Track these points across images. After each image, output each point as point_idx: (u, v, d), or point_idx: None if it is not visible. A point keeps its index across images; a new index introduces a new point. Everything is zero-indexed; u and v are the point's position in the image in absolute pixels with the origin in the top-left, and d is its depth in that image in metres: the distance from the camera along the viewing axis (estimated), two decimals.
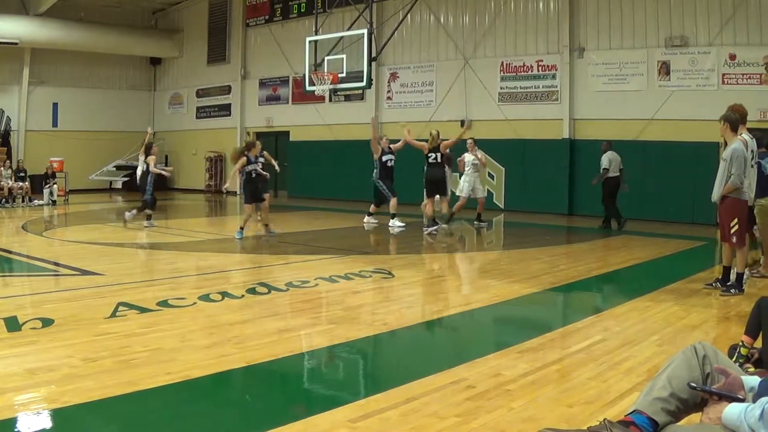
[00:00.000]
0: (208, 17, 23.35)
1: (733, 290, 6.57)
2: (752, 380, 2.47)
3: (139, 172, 12.63)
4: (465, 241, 12.09)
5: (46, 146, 20.86)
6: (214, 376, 4.01)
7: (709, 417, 2.38)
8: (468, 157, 12.63)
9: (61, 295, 6.44)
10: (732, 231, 6.59)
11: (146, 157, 12.20)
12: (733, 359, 3.65)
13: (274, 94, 21.76)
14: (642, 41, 14.60)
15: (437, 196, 11.87)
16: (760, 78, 13.03)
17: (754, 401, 2.32)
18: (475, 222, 12.84)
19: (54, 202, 17.58)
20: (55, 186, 18.02)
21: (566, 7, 15.50)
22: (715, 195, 6.74)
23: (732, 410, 2.29)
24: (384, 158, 12.43)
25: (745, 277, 6.79)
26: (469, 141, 12.76)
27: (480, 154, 12.69)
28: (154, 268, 8.13)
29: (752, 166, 6.80)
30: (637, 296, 6.50)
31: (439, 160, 11.67)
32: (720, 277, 6.93)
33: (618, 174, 12.45)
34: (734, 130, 6.64)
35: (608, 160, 12.42)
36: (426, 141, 11.86)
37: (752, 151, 6.78)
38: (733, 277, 6.81)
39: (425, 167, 11.90)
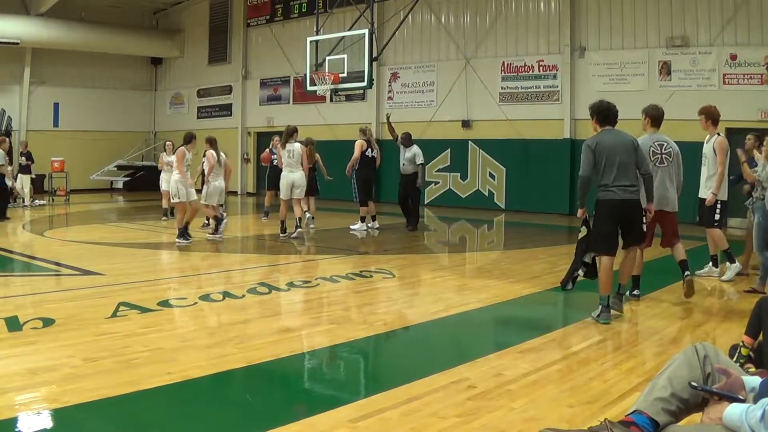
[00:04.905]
0: (209, 17, 23.32)
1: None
2: (753, 380, 2.47)
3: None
4: (466, 241, 12.08)
5: (47, 146, 20.87)
6: (215, 376, 4.01)
7: (710, 417, 2.38)
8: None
9: (62, 295, 6.45)
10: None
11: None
12: (734, 359, 3.66)
13: (275, 94, 21.75)
14: (643, 41, 14.59)
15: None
16: (761, 78, 13.02)
17: (755, 402, 2.32)
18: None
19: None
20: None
21: (567, 7, 15.48)
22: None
23: (733, 410, 2.28)
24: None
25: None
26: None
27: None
28: (154, 268, 8.13)
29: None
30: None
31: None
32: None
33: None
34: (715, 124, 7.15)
35: (420, 154, 11.78)
36: None
37: None
38: None
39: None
